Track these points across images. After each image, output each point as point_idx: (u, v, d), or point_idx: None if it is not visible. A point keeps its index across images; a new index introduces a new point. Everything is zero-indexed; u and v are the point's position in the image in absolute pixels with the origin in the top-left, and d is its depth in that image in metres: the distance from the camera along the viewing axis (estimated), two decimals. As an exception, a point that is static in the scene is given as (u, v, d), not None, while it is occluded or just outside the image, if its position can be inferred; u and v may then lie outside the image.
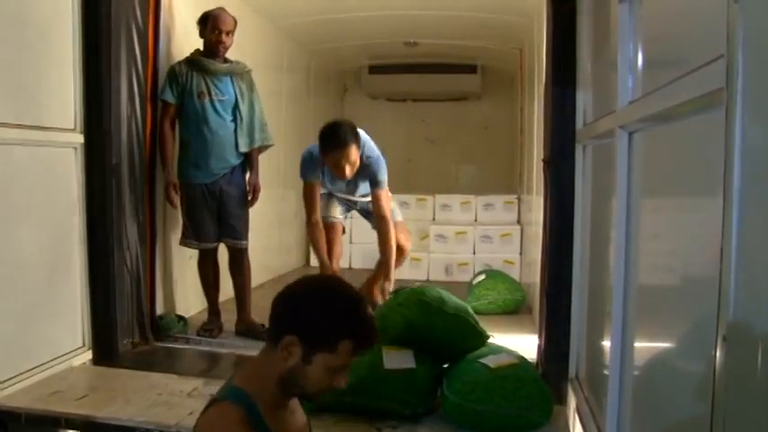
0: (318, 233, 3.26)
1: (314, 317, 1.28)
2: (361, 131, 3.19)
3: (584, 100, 2.42)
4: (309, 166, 3.24)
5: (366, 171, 3.17)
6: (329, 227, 3.39)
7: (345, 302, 1.31)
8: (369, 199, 3.33)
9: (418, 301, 2.34)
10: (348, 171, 3.07)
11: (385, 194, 3.23)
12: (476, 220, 5.33)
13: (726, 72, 0.82)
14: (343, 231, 3.59)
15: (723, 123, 0.83)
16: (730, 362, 0.78)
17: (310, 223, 3.26)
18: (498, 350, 2.37)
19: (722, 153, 0.83)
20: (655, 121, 1.42)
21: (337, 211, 3.48)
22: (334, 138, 3.02)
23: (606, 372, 1.70)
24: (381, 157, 3.22)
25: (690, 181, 1.23)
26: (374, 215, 3.28)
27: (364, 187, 3.32)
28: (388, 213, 3.22)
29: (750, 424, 0.77)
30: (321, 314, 1.28)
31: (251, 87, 3.32)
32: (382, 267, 3.33)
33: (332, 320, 1.28)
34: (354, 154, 3.03)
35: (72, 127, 2.74)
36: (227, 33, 3.19)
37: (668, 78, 1.23)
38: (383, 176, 3.19)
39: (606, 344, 1.74)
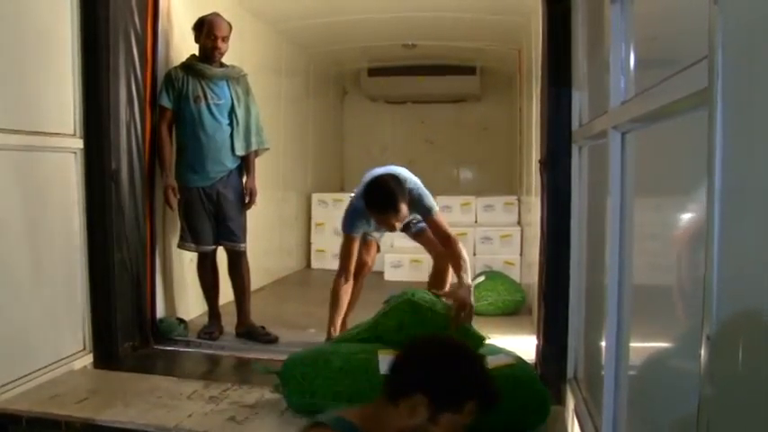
0: (343, 292, 3.04)
1: (447, 380, 1.33)
2: (399, 169, 3.05)
3: (579, 100, 2.43)
4: (355, 221, 3.04)
5: (414, 204, 2.96)
6: (365, 243, 3.27)
7: (473, 365, 1.38)
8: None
9: (409, 302, 2.42)
10: (398, 226, 2.93)
11: (440, 216, 3.02)
12: (476, 222, 5.33)
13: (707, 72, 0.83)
14: (378, 250, 3.42)
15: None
16: (714, 361, 0.79)
17: (340, 278, 3.04)
18: (496, 351, 2.37)
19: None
20: (646, 121, 1.42)
21: (376, 232, 3.31)
22: (383, 201, 2.82)
23: (604, 372, 1.70)
24: (422, 186, 3.02)
25: (681, 180, 1.24)
26: (438, 240, 3.04)
27: (413, 216, 3.13)
28: (450, 232, 3.00)
29: (732, 421, 0.77)
30: (453, 377, 1.34)
31: (247, 91, 3.33)
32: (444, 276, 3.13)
33: (462, 383, 1.34)
34: (404, 211, 2.83)
35: (71, 132, 2.76)
36: (223, 39, 3.19)
37: (658, 78, 1.23)
38: (431, 202, 2.99)
39: (604, 344, 1.74)
